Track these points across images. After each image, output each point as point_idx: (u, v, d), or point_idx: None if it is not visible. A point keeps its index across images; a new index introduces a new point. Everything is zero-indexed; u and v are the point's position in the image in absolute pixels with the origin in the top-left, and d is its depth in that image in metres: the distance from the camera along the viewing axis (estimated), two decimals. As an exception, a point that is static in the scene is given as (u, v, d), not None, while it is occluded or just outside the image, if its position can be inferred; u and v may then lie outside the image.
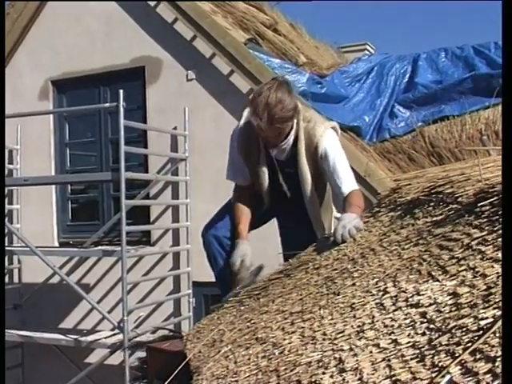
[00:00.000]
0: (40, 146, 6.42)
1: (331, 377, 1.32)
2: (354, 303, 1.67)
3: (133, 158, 5.83)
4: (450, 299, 1.34)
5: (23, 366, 6.48)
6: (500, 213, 1.59)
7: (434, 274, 1.53)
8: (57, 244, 6.40)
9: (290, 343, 1.65)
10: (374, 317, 1.51)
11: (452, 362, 1.09)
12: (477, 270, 1.40)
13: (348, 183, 2.79)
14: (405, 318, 1.40)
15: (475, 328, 1.15)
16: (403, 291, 1.54)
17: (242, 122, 2.93)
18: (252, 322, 2.07)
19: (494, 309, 1.17)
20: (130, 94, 5.66)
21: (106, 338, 5.47)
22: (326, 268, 2.20)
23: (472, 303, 1.25)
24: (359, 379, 1.24)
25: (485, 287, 1.29)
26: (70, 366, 5.94)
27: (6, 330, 5.01)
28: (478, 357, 1.06)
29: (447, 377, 1.06)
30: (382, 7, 41.01)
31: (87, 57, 6.21)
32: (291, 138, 2.85)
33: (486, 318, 1.15)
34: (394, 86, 6.19)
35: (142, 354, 3.16)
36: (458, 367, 1.07)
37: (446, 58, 6.22)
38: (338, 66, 6.60)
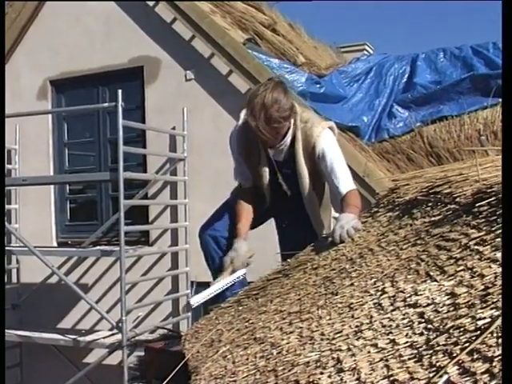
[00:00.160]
0: (38, 145, 6.42)
1: (329, 377, 1.32)
2: (352, 303, 1.67)
3: (131, 158, 5.83)
4: (448, 299, 1.34)
5: (21, 366, 6.48)
6: (498, 213, 1.59)
7: (431, 274, 1.53)
8: (55, 244, 6.39)
9: (288, 343, 1.66)
10: (371, 317, 1.51)
11: (450, 362, 1.09)
12: (475, 270, 1.40)
13: (345, 183, 2.79)
14: (403, 318, 1.40)
15: (473, 328, 1.15)
16: (401, 291, 1.55)
17: (240, 122, 2.94)
18: (250, 322, 2.08)
19: (492, 309, 1.17)
20: (129, 93, 5.66)
21: (104, 337, 5.46)
22: (325, 268, 2.21)
23: (470, 303, 1.25)
24: (357, 379, 1.24)
25: (482, 287, 1.29)
26: (68, 366, 5.94)
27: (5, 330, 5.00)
28: (475, 357, 1.06)
29: (445, 377, 1.06)
30: (381, 7, 41.05)
31: (86, 57, 6.20)
32: (288, 138, 2.85)
33: (484, 318, 1.15)
34: (393, 86, 6.19)
35: (140, 353, 3.16)
36: (456, 367, 1.07)
37: (444, 59, 6.22)
38: (336, 66, 6.59)
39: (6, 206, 6.36)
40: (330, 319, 1.67)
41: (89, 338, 5.53)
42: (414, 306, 1.42)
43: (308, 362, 1.46)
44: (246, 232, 2.94)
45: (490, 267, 1.36)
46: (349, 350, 1.40)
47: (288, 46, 6.42)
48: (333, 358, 1.40)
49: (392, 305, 1.51)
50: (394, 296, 1.55)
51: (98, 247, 5.65)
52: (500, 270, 1.31)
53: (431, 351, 1.17)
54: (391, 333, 1.36)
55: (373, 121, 5.99)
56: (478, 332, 1.12)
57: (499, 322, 1.09)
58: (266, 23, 6.65)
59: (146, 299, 5.77)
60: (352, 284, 1.83)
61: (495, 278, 1.30)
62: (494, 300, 1.19)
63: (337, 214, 2.86)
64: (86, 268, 6.15)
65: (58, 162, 6.48)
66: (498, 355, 1.02)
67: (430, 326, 1.28)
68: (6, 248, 5.79)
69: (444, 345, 1.16)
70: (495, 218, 1.60)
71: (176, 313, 5.76)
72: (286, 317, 1.89)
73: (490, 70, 5.83)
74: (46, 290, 6.14)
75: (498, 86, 5.43)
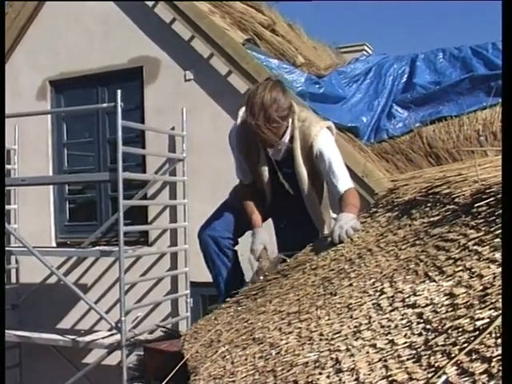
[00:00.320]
0: (38, 146, 6.41)
1: (328, 377, 1.32)
2: (350, 304, 1.68)
3: (131, 159, 5.83)
4: (447, 300, 1.34)
5: (21, 367, 6.47)
6: (497, 214, 1.59)
7: (430, 274, 1.53)
8: (54, 244, 6.39)
9: (287, 343, 1.66)
10: (370, 317, 1.51)
11: (448, 363, 1.09)
12: (473, 270, 1.40)
13: (343, 182, 2.80)
14: (401, 319, 1.40)
15: (471, 328, 1.15)
16: (400, 292, 1.55)
17: (239, 121, 2.94)
18: (249, 322, 2.08)
19: (490, 309, 1.17)
20: (128, 94, 5.66)
21: (103, 338, 5.46)
22: (323, 268, 2.21)
23: (468, 304, 1.25)
24: (356, 379, 1.24)
25: (481, 288, 1.29)
26: (67, 367, 5.93)
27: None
28: (474, 357, 1.06)
29: (443, 377, 1.06)
30: (381, 7, 41.01)
31: (85, 57, 6.20)
32: (287, 137, 2.86)
33: (482, 318, 1.15)
34: (392, 86, 6.20)
35: (139, 354, 3.16)
36: (454, 367, 1.07)
37: (443, 59, 6.22)
38: (335, 67, 6.59)
39: (6, 207, 6.36)
40: (328, 319, 1.67)
41: (88, 338, 5.53)
42: (413, 306, 1.42)
43: (307, 363, 1.46)
44: (260, 222, 2.95)
45: (488, 268, 1.37)
46: (347, 350, 1.40)
47: (287, 47, 6.42)
48: (331, 359, 1.40)
49: (391, 305, 1.51)
50: (392, 296, 1.55)
51: (98, 247, 5.65)
52: (499, 270, 1.31)
53: (430, 351, 1.17)
54: (390, 333, 1.36)
55: (372, 121, 5.99)
56: (477, 332, 1.12)
57: (498, 322, 1.10)
58: (266, 23, 6.65)
59: (145, 299, 5.77)
60: (351, 284, 1.83)
61: (494, 278, 1.30)
62: (493, 300, 1.19)
63: (335, 215, 2.87)
64: (85, 268, 6.14)
65: (58, 162, 6.48)
66: (497, 355, 1.02)
67: (428, 326, 1.28)
68: (6, 248, 5.79)
69: (443, 345, 1.17)
70: (494, 218, 1.60)
71: (175, 313, 5.76)
72: (285, 317, 1.89)
73: (489, 71, 5.84)
74: (46, 290, 6.13)
75: (497, 87, 5.43)
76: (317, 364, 1.42)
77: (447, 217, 1.91)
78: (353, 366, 1.29)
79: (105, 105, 5.44)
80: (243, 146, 2.96)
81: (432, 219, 1.99)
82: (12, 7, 6.50)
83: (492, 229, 1.55)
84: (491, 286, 1.26)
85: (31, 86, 6.50)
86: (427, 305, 1.38)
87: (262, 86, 2.74)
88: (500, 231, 1.49)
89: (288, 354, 1.58)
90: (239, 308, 2.40)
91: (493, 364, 1.01)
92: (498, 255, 1.39)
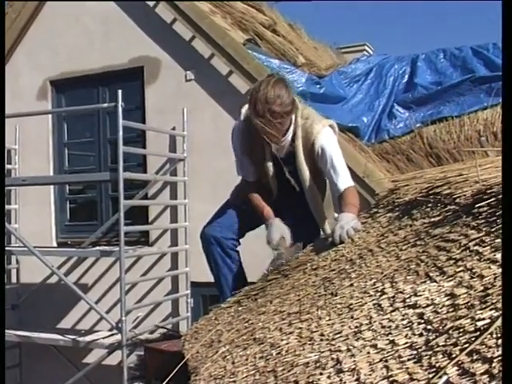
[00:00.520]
0: (38, 146, 6.41)
1: (328, 377, 1.32)
2: (351, 304, 1.67)
3: (131, 158, 5.83)
4: (448, 300, 1.34)
5: (21, 367, 6.47)
6: (498, 214, 1.59)
7: (431, 274, 1.53)
8: (55, 244, 6.39)
9: (287, 344, 1.66)
10: (371, 317, 1.51)
11: (449, 363, 1.09)
12: (474, 271, 1.40)
13: (344, 180, 2.80)
14: (402, 319, 1.40)
15: (472, 329, 1.15)
16: (401, 292, 1.55)
17: (242, 118, 2.94)
18: (250, 322, 2.08)
19: (491, 310, 1.17)
20: (129, 94, 5.66)
21: (104, 338, 5.46)
22: (324, 269, 2.21)
23: (469, 304, 1.25)
24: (356, 380, 1.24)
25: (482, 288, 1.29)
26: (67, 367, 5.93)
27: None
28: (475, 358, 1.06)
29: (444, 377, 1.06)
30: (381, 7, 41.03)
31: (86, 57, 6.20)
32: (290, 135, 2.86)
33: (483, 318, 1.15)
34: (393, 86, 6.20)
35: (140, 353, 3.16)
36: (455, 368, 1.07)
37: (444, 59, 6.22)
38: (336, 67, 6.59)
39: (6, 206, 6.36)
40: (329, 320, 1.67)
41: (88, 338, 5.52)
42: (414, 306, 1.42)
43: (307, 363, 1.46)
44: (272, 213, 2.94)
45: (489, 268, 1.36)
46: (348, 350, 1.40)
47: (288, 47, 6.42)
48: (332, 359, 1.40)
49: (391, 305, 1.51)
50: (393, 297, 1.55)
51: (98, 247, 5.65)
52: (500, 270, 1.31)
53: (431, 352, 1.17)
54: (391, 333, 1.36)
55: (373, 121, 5.99)
56: (478, 333, 1.12)
57: (499, 322, 1.09)
58: (267, 24, 6.65)
59: (146, 299, 5.77)
60: (351, 285, 1.83)
61: (495, 278, 1.30)
62: (494, 301, 1.19)
63: (336, 215, 2.86)
64: (85, 268, 6.14)
65: (58, 162, 6.48)
66: (498, 356, 1.02)
67: (429, 326, 1.28)
68: (6, 248, 5.79)
69: (443, 345, 1.16)
70: (495, 218, 1.60)
71: (176, 313, 5.76)
72: (286, 317, 1.89)
73: (490, 71, 5.84)
74: (46, 290, 6.13)
75: (498, 87, 5.43)
76: (317, 364, 1.42)
77: (448, 217, 1.91)
78: (353, 367, 1.29)
79: (105, 105, 5.44)
80: (247, 142, 2.95)
81: (433, 220, 1.99)
82: (12, 7, 6.50)
83: (493, 229, 1.55)
84: (492, 287, 1.26)
85: (32, 85, 6.50)
86: (428, 305, 1.38)
87: (264, 82, 2.74)
88: (501, 231, 1.49)
89: (289, 355, 1.58)
90: (240, 308, 2.40)
91: (494, 364, 1.01)
92: (498, 256, 1.38)
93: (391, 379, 1.16)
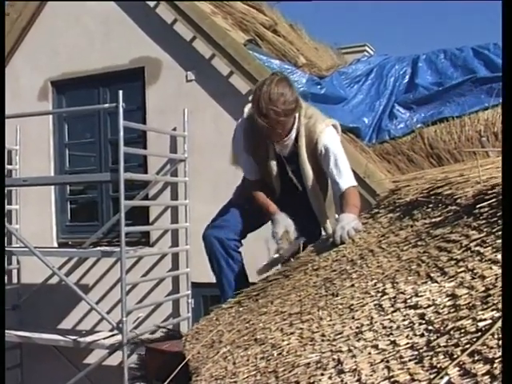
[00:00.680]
0: (39, 146, 6.42)
1: (330, 378, 1.32)
2: (352, 304, 1.67)
3: (132, 159, 5.83)
4: (449, 301, 1.34)
5: (22, 367, 6.47)
6: (499, 214, 1.59)
7: (432, 275, 1.53)
8: (56, 244, 6.39)
9: (288, 344, 1.66)
10: (372, 318, 1.51)
11: (450, 364, 1.09)
12: (475, 271, 1.40)
13: (346, 179, 2.80)
14: (403, 320, 1.40)
15: (473, 329, 1.15)
16: (402, 292, 1.54)
17: (245, 117, 2.94)
18: (251, 323, 2.08)
19: (493, 310, 1.17)
20: (130, 94, 5.66)
21: (104, 338, 5.46)
22: (325, 269, 2.20)
23: (470, 305, 1.25)
24: (358, 380, 1.24)
25: (483, 289, 1.29)
26: (68, 367, 5.93)
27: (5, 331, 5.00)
28: (476, 358, 1.06)
29: (445, 378, 1.06)
30: (381, 8, 41.05)
31: (87, 57, 6.20)
32: (293, 133, 2.87)
33: (485, 319, 1.15)
34: (394, 87, 6.20)
35: (140, 354, 3.16)
36: (457, 369, 1.07)
37: (445, 60, 6.22)
38: (337, 68, 6.59)
39: (7, 207, 6.37)
40: (330, 320, 1.67)
41: (89, 338, 5.53)
42: (415, 307, 1.42)
43: (309, 363, 1.46)
44: (277, 209, 2.93)
45: (490, 268, 1.36)
46: (349, 351, 1.39)
47: (289, 47, 6.42)
48: (333, 360, 1.40)
49: (393, 306, 1.51)
50: (394, 297, 1.55)
51: (99, 248, 5.65)
52: (501, 271, 1.31)
53: (432, 352, 1.17)
54: (392, 334, 1.36)
55: (373, 122, 5.99)
56: (479, 333, 1.12)
57: (500, 323, 1.09)
58: (267, 24, 6.65)
59: (147, 300, 5.77)
60: (353, 285, 1.83)
61: (496, 279, 1.30)
62: (495, 301, 1.19)
63: (336, 215, 2.86)
64: (86, 269, 6.14)
65: (59, 162, 6.49)
66: (499, 357, 1.02)
67: (430, 327, 1.28)
68: (7, 248, 5.80)
69: (445, 346, 1.16)
70: (496, 219, 1.59)
71: (176, 314, 5.76)
72: (287, 318, 1.89)
73: (490, 71, 5.84)
74: (47, 290, 6.13)
75: (499, 88, 5.43)
76: (319, 365, 1.42)
77: (449, 218, 1.91)
78: (355, 367, 1.29)
79: (106, 105, 5.44)
80: (250, 141, 2.95)
81: (434, 220, 1.99)
82: (13, 7, 6.50)
83: (494, 230, 1.55)
84: (493, 287, 1.26)
85: (33, 86, 6.50)
86: (429, 306, 1.38)
87: (268, 80, 2.74)
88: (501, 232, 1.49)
89: (290, 355, 1.58)
90: (241, 309, 2.40)
91: (495, 365, 1.01)
92: (500, 256, 1.38)
93: (392, 380, 1.16)
